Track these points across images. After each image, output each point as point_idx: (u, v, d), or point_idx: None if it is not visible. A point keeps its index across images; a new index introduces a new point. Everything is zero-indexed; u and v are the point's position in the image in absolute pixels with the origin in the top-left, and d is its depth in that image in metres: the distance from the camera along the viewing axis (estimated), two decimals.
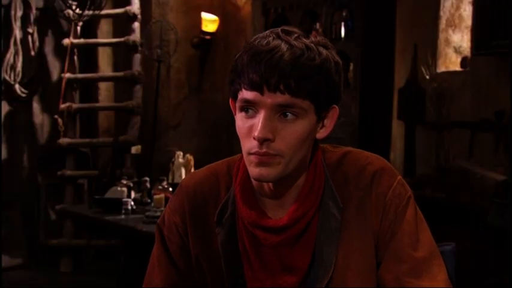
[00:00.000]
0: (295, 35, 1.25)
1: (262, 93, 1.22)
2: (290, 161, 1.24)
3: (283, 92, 1.21)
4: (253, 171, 1.25)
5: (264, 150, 1.22)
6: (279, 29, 1.27)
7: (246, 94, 1.24)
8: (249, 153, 1.24)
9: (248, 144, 1.24)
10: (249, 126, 1.24)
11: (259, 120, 1.22)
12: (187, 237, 1.37)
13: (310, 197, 1.30)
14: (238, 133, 1.27)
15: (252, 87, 1.22)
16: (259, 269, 1.31)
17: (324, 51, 1.25)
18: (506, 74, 3.90)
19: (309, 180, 1.30)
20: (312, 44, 1.25)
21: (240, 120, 1.26)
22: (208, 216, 1.36)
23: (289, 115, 1.23)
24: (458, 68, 4.44)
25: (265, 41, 1.24)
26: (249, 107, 1.24)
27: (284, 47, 1.22)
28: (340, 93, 1.30)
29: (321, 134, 1.30)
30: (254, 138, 1.22)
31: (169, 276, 1.38)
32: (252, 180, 1.32)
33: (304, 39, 1.25)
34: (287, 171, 1.25)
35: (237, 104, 1.27)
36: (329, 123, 1.30)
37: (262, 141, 1.22)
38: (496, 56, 3.97)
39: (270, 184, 1.29)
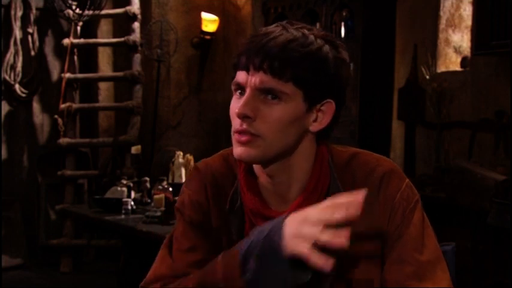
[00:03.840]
0: (298, 26, 1.26)
1: (248, 72, 1.24)
2: (271, 144, 1.24)
3: (267, 72, 1.22)
4: (236, 150, 1.25)
5: (244, 127, 1.23)
6: (286, 21, 1.29)
7: (237, 75, 1.26)
8: (233, 132, 1.26)
9: (234, 124, 1.26)
10: (237, 107, 1.24)
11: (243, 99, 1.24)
12: (209, 217, 1.35)
13: (314, 194, 1.29)
14: (230, 115, 1.28)
15: (241, 67, 1.25)
16: None
17: (322, 43, 1.25)
18: (506, 74, 3.90)
19: (315, 177, 1.30)
20: (312, 35, 1.25)
21: (233, 102, 1.28)
22: (227, 199, 1.35)
23: (273, 97, 1.23)
24: (458, 68, 4.44)
25: (266, 27, 1.27)
26: (239, 88, 1.26)
27: (279, 32, 1.24)
28: (339, 89, 1.28)
29: (315, 127, 1.28)
30: (236, 115, 1.23)
31: (202, 246, 1.33)
32: (255, 170, 1.31)
33: (305, 30, 1.25)
34: (268, 154, 1.25)
35: (232, 86, 1.29)
36: (323, 117, 1.28)
37: (242, 117, 1.22)
38: (496, 56, 3.97)
39: (265, 174, 1.29)
